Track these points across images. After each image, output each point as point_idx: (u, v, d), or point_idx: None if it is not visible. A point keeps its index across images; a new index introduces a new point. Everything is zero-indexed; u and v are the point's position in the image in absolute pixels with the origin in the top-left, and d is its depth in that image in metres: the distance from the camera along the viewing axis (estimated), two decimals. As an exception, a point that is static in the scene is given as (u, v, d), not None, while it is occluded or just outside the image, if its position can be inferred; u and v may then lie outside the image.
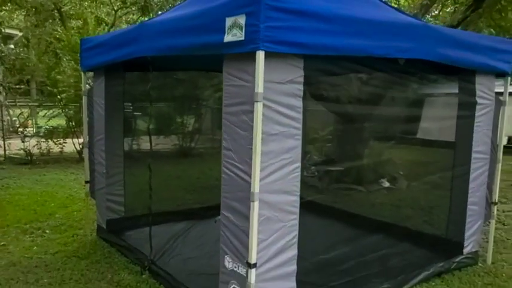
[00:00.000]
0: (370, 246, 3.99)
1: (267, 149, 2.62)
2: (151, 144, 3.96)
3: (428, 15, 14.86)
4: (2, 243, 4.57)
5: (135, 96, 5.33)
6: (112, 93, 4.50)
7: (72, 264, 4.04)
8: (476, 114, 4.06)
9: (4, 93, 11.56)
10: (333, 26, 2.66)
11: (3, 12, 16.83)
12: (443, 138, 5.14)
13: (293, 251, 2.86)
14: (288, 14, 2.48)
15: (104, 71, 4.44)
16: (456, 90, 4.20)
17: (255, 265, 2.62)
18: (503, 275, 4.16)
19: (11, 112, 12.86)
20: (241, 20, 2.49)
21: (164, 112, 8.99)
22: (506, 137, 14.65)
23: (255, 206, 2.56)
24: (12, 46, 13.55)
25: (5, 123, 10.80)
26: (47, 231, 5.02)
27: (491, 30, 13.09)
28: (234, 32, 2.54)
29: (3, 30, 9.64)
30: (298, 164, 2.80)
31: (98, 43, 4.33)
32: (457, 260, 4.16)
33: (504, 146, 14.68)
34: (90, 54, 4.46)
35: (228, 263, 2.85)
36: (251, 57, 2.49)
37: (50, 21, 15.95)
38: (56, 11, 15.47)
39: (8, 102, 12.41)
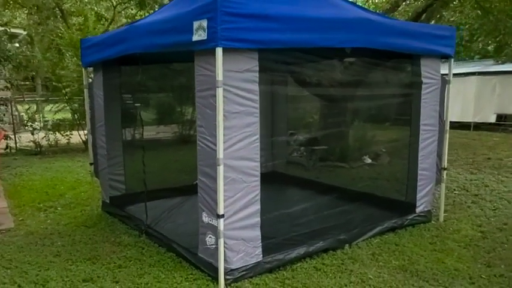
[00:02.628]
0: (332, 206, 4.71)
1: (230, 124, 3.32)
2: (142, 128, 4.66)
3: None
4: (20, 219, 5.31)
5: (132, 88, 5.96)
6: (109, 85, 5.18)
7: (81, 231, 4.78)
8: (422, 92, 4.71)
9: (12, 90, 12.28)
10: (280, 25, 3.34)
11: (6, 11, 17.50)
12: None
13: (256, 206, 3.56)
14: (241, 18, 3.15)
15: (102, 66, 5.13)
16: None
17: (222, 216, 3.33)
18: (450, 229, 4.85)
19: (19, 107, 13.60)
20: (204, 23, 3.16)
21: (163, 102, 9.63)
22: (495, 115, 15.24)
23: (220, 169, 3.27)
24: (17, 44, 14.20)
25: (15, 118, 11.53)
26: (58, 208, 5.77)
27: (478, 12, 13.55)
28: (200, 33, 3.22)
29: (8, 30, 10.30)
30: (257, 136, 3.49)
31: (95, 42, 5.02)
32: (410, 217, 4.86)
33: (493, 124, 15.15)
34: (88, 52, 5.15)
35: (205, 218, 3.56)
36: (213, 53, 3.17)
37: (52, 18, 16.59)
38: (57, 8, 16.09)
39: (16, 98, 13.14)
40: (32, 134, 10.34)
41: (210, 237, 3.52)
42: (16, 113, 13.12)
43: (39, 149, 10.38)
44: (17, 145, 10.69)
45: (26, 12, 17.89)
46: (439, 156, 5.02)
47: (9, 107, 10.56)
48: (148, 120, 7.25)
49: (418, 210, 4.91)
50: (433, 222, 5.04)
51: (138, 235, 4.57)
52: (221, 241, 3.35)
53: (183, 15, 3.42)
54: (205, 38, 3.16)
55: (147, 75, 5.81)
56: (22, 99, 12.95)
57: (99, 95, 5.24)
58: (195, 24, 3.24)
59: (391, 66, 4.85)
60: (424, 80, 4.69)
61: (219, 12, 3.05)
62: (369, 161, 8.78)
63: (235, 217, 3.45)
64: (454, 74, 4.92)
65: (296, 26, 3.42)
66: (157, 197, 5.21)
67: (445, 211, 5.45)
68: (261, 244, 3.62)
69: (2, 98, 9.44)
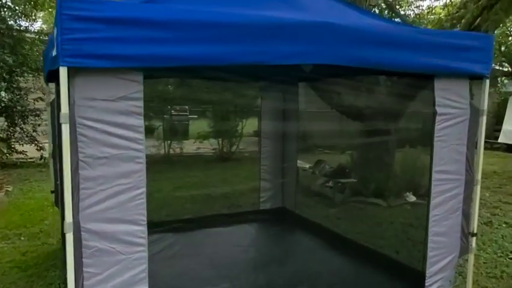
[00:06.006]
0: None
1: (94, 173, 2.36)
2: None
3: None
4: (-27, 249, 4.82)
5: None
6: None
7: (9, 275, 4.09)
8: (436, 127, 3.35)
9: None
10: (166, 33, 2.30)
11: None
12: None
13: (142, 286, 2.55)
14: (96, 24, 2.18)
15: (56, 81, 4.44)
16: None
17: (75, 302, 2.37)
18: (474, 322, 3.41)
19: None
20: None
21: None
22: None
23: (69, 237, 2.31)
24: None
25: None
26: (22, 237, 5.19)
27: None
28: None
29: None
30: (143, 190, 2.49)
31: (45, 53, 4.35)
32: (414, 300, 3.50)
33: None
34: (45, 66, 4.51)
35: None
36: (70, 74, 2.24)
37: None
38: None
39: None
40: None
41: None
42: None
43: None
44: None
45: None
46: (466, 216, 3.59)
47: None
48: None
49: (428, 290, 3.53)
50: (455, 305, 3.63)
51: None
52: (76, 336, 2.40)
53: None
54: (55, 53, 2.27)
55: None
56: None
57: (56, 114, 4.57)
58: (54, 34, 2.35)
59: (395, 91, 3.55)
60: (438, 109, 3.33)
61: (58, 17, 2.13)
62: (413, 198, 7.23)
63: (106, 301, 2.48)
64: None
65: (195, 34, 2.35)
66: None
67: (485, 288, 4.00)
68: (150, 337, 2.61)
69: (34, 108, 9.38)
